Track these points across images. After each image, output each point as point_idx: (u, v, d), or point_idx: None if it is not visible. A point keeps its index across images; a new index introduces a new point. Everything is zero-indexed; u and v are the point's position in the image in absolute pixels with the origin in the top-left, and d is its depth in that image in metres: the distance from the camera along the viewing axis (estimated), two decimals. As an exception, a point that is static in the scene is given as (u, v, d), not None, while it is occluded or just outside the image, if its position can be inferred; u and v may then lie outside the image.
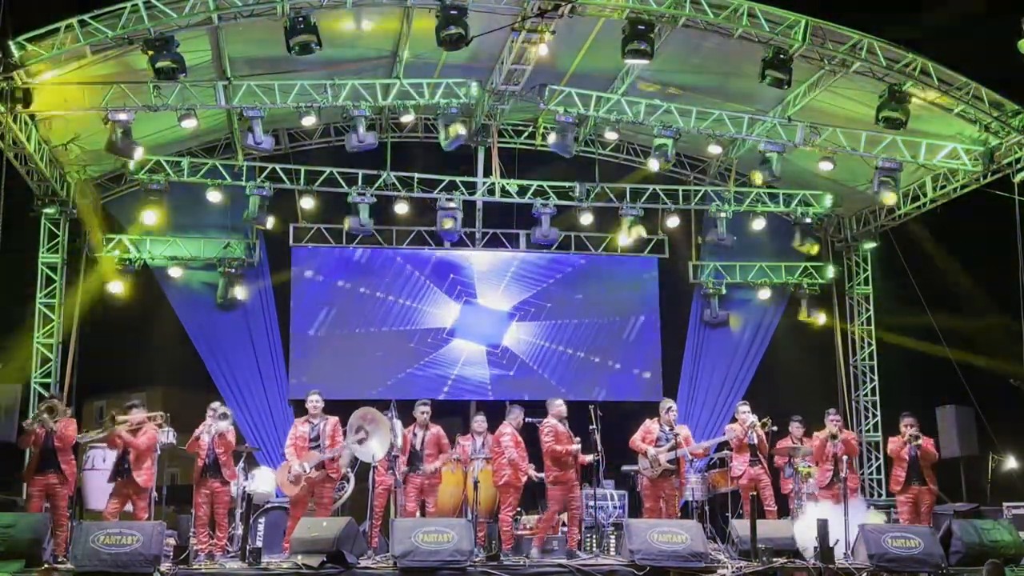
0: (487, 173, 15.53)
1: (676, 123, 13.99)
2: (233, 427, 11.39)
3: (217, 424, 11.06)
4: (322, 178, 15.10)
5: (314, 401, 11.45)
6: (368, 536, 11.11)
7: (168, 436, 11.55)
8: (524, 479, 11.49)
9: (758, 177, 14.38)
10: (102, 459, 12.60)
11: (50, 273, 14.19)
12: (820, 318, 16.51)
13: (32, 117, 12.35)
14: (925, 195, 14.96)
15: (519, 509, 11.78)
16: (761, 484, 11.95)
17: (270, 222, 14.93)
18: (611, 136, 15.41)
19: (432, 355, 15.75)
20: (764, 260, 16.74)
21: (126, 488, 10.77)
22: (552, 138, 14.29)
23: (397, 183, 15.30)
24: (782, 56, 12.31)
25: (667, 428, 11.74)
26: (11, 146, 12.39)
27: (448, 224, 15.16)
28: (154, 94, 12.34)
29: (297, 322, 15.45)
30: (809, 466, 11.93)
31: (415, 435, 11.57)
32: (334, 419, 11.40)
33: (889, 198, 14.08)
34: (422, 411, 11.68)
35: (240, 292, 15.16)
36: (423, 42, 12.67)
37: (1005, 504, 13.19)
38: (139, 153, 12.86)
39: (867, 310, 16.69)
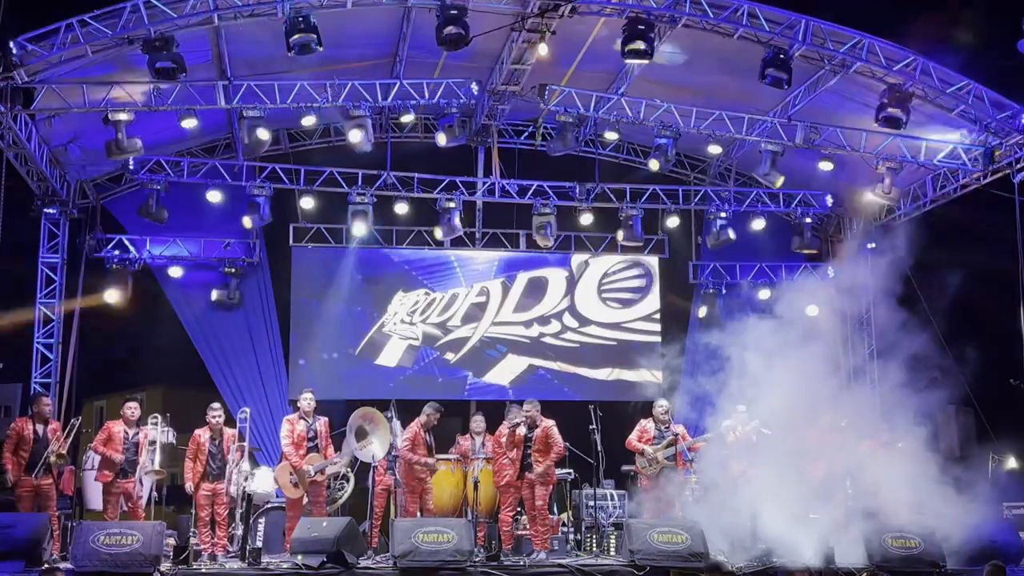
0: (487, 173, 15.53)
1: (676, 123, 13.99)
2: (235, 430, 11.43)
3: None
4: (322, 178, 15.10)
5: (308, 399, 11.53)
6: (368, 536, 11.13)
7: (168, 436, 11.57)
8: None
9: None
10: (102, 459, 12.59)
11: (50, 273, 14.18)
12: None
13: (32, 117, 12.34)
14: (925, 195, 14.96)
15: (519, 509, 11.78)
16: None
17: (270, 222, 14.92)
18: (611, 136, 15.40)
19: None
20: (764, 260, 16.75)
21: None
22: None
23: (397, 183, 15.31)
24: (782, 56, 12.30)
25: (662, 427, 11.79)
26: (11, 146, 12.38)
27: (455, 221, 15.15)
28: (154, 94, 12.34)
29: (297, 321, 15.43)
30: None
31: (428, 434, 11.65)
32: (324, 419, 11.61)
33: (890, 193, 14.05)
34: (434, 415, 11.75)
35: (240, 292, 15.17)
36: (423, 42, 12.66)
37: (1005, 504, 13.18)
38: (139, 152, 12.86)
39: (867, 310, 16.65)
